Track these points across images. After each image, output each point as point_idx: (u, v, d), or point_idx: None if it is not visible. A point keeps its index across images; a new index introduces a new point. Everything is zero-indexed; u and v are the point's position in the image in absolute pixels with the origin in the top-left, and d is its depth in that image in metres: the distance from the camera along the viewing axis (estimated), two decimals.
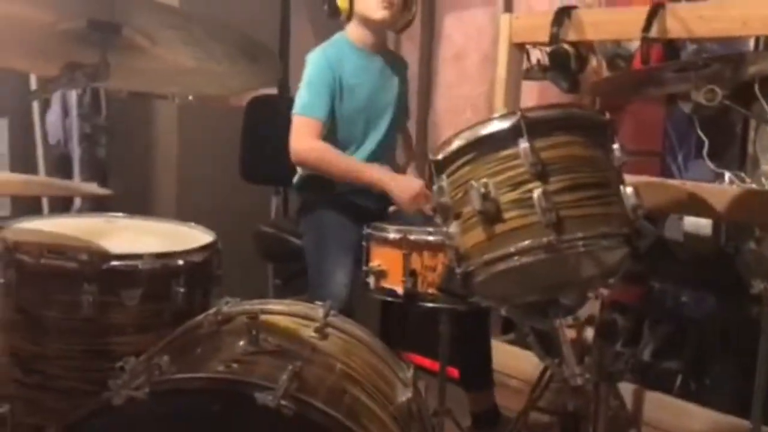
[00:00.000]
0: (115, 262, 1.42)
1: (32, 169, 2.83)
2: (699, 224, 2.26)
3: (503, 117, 1.32)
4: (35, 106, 2.88)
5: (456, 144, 1.36)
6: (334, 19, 2.13)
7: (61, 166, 3.14)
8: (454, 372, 2.02)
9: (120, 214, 1.74)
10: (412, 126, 3.09)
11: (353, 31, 2.11)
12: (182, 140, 2.83)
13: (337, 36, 2.13)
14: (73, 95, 3.07)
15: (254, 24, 2.79)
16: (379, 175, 1.96)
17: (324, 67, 2.01)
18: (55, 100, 3.07)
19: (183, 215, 2.55)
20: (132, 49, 1.09)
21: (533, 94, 2.82)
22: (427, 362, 2.23)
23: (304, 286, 2.01)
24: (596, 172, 1.32)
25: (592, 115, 1.38)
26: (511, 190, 1.29)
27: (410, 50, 3.16)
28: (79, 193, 1.43)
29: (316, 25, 3.09)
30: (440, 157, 1.37)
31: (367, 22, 2.08)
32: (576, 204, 1.27)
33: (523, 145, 1.28)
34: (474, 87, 3.13)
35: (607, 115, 1.38)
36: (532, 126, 1.29)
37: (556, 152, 1.29)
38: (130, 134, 2.95)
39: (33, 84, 2.70)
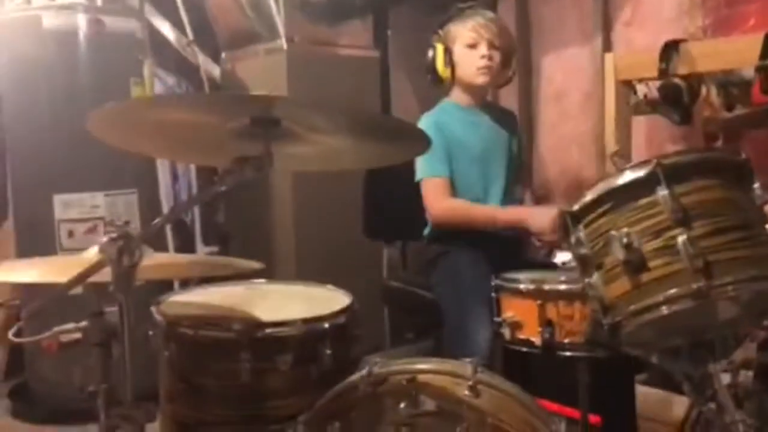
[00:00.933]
0: (268, 330, 1.50)
1: (162, 241, 3.00)
2: None
3: (638, 166, 1.33)
4: (161, 178, 3.06)
5: (591, 195, 1.37)
6: (436, 87, 2.23)
7: (178, 233, 3.33)
8: (596, 419, 1.99)
9: (261, 280, 1.83)
10: None
11: (456, 95, 2.24)
12: (297, 201, 2.95)
13: (442, 102, 2.23)
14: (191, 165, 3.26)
15: (356, 92, 2.94)
16: (514, 215, 2.06)
17: (434, 130, 2.09)
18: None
19: (302, 274, 2.68)
20: (290, 137, 1.17)
21: (641, 127, 2.79)
22: (564, 410, 2.20)
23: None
24: (739, 213, 1.30)
25: (728, 156, 1.37)
26: (653, 238, 1.29)
27: (509, 92, 3.19)
28: (238, 270, 1.52)
29: (416, 90, 3.20)
30: (576, 208, 1.39)
31: (468, 87, 2.19)
32: (722, 248, 1.26)
33: (662, 192, 1.28)
34: (577, 125, 3.13)
35: (744, 155, 1.36)
36: (669, 173, 1.29)
37: (697, 197, 1.29)
38: (247, 199, 3.10)
39: None
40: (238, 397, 1.50)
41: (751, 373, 1.40)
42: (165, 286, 2.46)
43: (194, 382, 1.53)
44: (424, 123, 2.16)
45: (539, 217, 1.98)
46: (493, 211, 2.12)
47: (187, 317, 1.54)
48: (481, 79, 2.18)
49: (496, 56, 2.17)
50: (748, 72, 2.20)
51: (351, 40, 3.13)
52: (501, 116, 2.31)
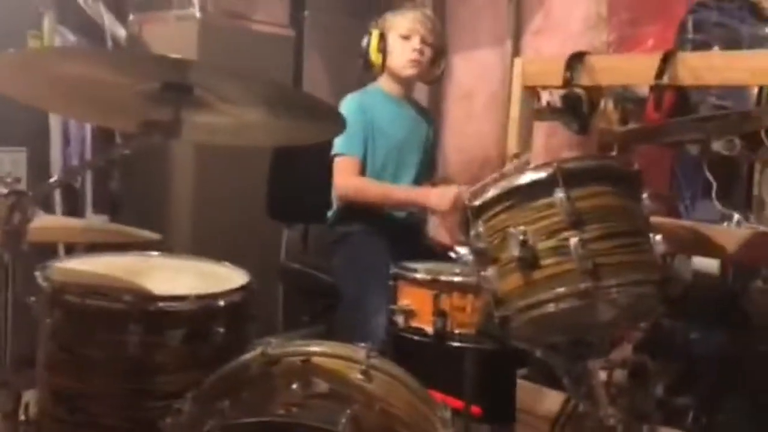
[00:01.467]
0: (160, 303, 1.46)
1: (49, 203, 2.85)
2: (707, 263, 2.34)
3: (539, 168, 1.39)
4: (54, 139, 2.90)
5: (493, 192, 1.41)
6: (367, 73, 2.25)
7: (66, 196, 3.17)
8: (477, 410, 2.05)
9: (154, 252, 1.77)
10: None
11: (385, 82, 2.26)
12: (199, 173, 2.87)
13: (370, 86, 2.25)
14: (86, 127, 3.11)
15: (269, 69, 2.89)
16: (415, 192, 2.13)
17: (358, 111, 2.12)
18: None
19: (198, 249, 2.61)
20: (202, 106, 1.14)
21: (541, 133, 2.90)
22: (448, 400, 2.26)
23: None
24: (628, 220, 1.38)
25: (622, 166, 1.44)
26: (548, 237, 1.35)
27: (420, 89, 3.23)
28: (132, 239, 1.46)
29: (329, 73, 3.19)
30: (477, 203, 1.43)
31: (396, 77, 2.21)
32: (610, 252, 1.33)
33: (560, 195, 1.34)
34: (482, 125, 3.21)
35: (636, 167, 1.44)
36: (568, 177, 1.35)
37: (591, 202, 1.36)
38: (144, 168, 2.99)
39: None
40: (123, 371, 1.45)
41: (625, 372, 1.49)
42: (49, 252, 2.35)
43: (78, 353, 1.47)
44: (349, 102, 2.19)
45: (440, 196, 2.05)
46: (394, 189, 2.18)
47: (75, 285, 1.48)
48: (409, 71, 2.24)
49: (427, 52, 2.23)
50: (643, 90, 2.33)
51: (267, 16, 3.07)
52: (421, 112, 2.38)
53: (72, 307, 1.45)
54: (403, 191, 2.17)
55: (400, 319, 1.77)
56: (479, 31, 3.20)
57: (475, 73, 3.23)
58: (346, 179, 2.16)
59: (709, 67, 2.05)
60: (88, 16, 3.15)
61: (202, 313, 1.50)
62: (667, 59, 2.09)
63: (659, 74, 2.10)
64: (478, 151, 3.24)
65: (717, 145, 1.59)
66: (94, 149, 3.14)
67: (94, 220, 2.90)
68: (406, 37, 2.22)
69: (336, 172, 2.17)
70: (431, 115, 2.50)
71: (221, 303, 1.52)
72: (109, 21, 3.13)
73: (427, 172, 2.38)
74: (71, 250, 2.54)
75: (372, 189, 2.17)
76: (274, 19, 3.10)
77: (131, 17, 3.14)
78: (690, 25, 2.44)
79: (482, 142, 3.22)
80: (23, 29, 2.68)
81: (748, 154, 1.68)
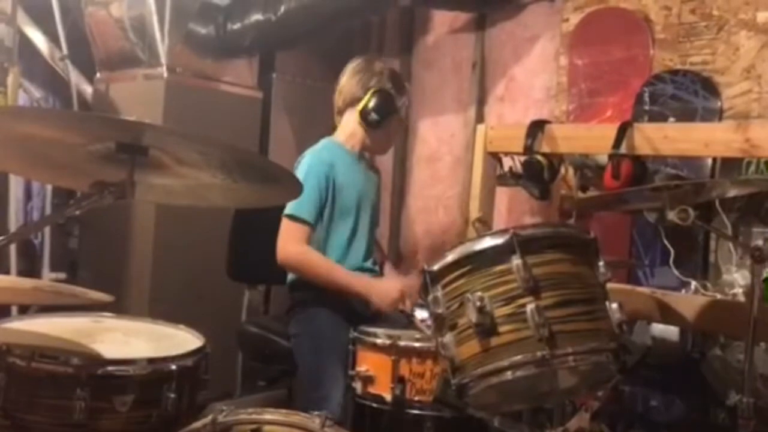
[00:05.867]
0: (109, 368, 1.42)
1: (4, 262, 2.78)
2: (666, 330, 2.35)
3: (496, 234, 1.40)
4: (12, 194, 2.86)
5: (451, 257, 1.42)
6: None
7: (24, 255, 3.10)
8: None
9: (107, 314, 1.73)
10: (385, 223, 3.19)
11: (346, 138, 2.22)
12: (158, 232, 2.84)
13: (325, 141, 2.23)
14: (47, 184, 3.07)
15: (235, 131, 2.91)
16: (358, 285, 2.03)
17: (321, 168, 2.09)
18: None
19: (156, 311, 2.56)
20: (157, 168, 1.14)
21: (504, 198, 2.93)
22: None
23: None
24: (584, 288, 1.39)
25: (578, 233, 1.46)
26: (505, 304, 1.35)
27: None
28: (85, 301, 1.43)
29: (295, 135, 3.22)
30: (436, 268, 1.43)
31: (367, 147, 2.27)
32: (566, 319, 1.34)
33: (516, 261, 1.35)
34: (446, 188, 3.25)
35: (592, 234, 1.46)
36: (524, 243, 1.36)
37: (547, 269, 1.37)
38: (104, 226, 2.94)
39: None
40: None
41: None
42: (1, 312, 2.28)
43: (20, 418, 1.41)
44: (310, 159, 2.13)
45: (382, 294, 2.00)
46: (339, 274, 2.06)
47: (21, 346, 1.43)
48: (382, 154, 2.40)
49: None
50: (603, 158, 2.37)
51: (235, 77, 3.10)
52: (371, 168, 2.37)
53: (16, 370, 1.40)
54: (345, 276, 2.05)
55: (358, 386, 1.74)
56: (444, 96, 3.26)
57: (440, 137, 3.28)
58: (292, 246, 2.05)
59: (664, 138, 2.11)
60: (55, 73, 3.16)
61: (152, 378, 1.45)
62: (624, 129, 2.15)
63: (617, 143, 2.15)
64: (441, 214, 3.26)
65: (671, 215, 1.62)
66: (55, 204, 3.10)
67: (51, 279, 2.84)
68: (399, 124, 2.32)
69: (281, 236, 2.06)
70: (379, 174, 2.50)
71: (173, 367, 1.48)
72: (75, 78, 3.14)
73: (375, 226, 2.36)
74: (25, 310, 2.47)
75: (315, 264, 2.06)
76: (242, 81, 3.13)
77: (98, 75, 3.15)
78: (647, 96, 2.52)
79: (446, 205, 3.24)
80: None
81: (701, 224, 1.71)
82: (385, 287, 2.04)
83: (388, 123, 2.19)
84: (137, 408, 1.43)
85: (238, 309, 2.80)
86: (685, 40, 2.50)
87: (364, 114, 2.15)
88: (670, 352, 2.34)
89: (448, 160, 3.24)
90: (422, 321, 1.84)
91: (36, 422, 1.40)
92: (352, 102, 2.18)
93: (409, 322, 1.91)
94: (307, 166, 2.10)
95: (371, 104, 2.14)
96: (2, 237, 1.23)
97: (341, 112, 2.24)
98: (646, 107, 2.52)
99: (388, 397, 1.68)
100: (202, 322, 1.71)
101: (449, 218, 3.22)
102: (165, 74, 2.89)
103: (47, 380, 1.40)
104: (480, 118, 3.08)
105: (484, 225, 2.38)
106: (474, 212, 2.59)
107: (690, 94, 2.43)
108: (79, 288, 1.42)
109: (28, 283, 1.34)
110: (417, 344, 1.70)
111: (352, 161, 2.21)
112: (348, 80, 2.19)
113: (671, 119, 2.42)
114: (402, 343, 1.70)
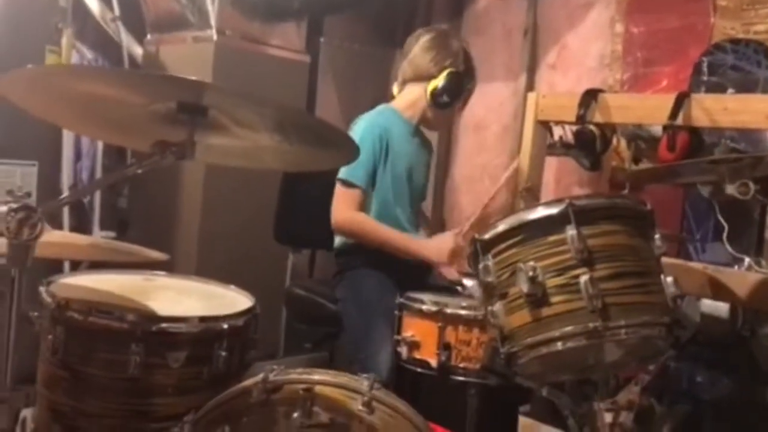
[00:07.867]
0: (163, 324, 1.44)
1: (56, 219, 2.85)
2: (716, 306, 2.30)
3: (551, 203, 1.38)
4: (65, 153, 2.91)
5: (503, 226, 1.40)
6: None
7: (74, 212, 3.17)
8: None
9: (159, 272, 1.77)
10: (429, 190, 3.17)
11: (406, 107, 2.20)
12: (207, 194, 2.88)
13: (383, 107, 2.22)
14: (98, 143, 3.12)
15: (283, 93, 2.91)
16: (413, 245, 2.04)
17: (375, 133, 2.08)
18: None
19: (203, 271, 2.60)
20: (216, 128, 1.14)
21: (552, 167, 2.89)
22: None
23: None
24: (639, 260, 1.37)
25: (635, 205, 1.43)
26: (557, 274, 1.33)
27: None
28: (139, 259, 1.45)
29: (341, 101, 3.20)
30: (487, 237, 1.42)
31: (426, 121, 2.26)
32: (620, 291, 1.32)
33: (571, 232, 1.33)
34: (492, 157, 3.21)
35: (648, 206, 1.43)
36: (580, 214, 1.34)
37: (602, 240, 1.34)
38: (153, 186, 3.00)
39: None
40: (122, 391, 1.44)
41: (631, 415, 1.47)
42: (53, 267, 2.34)
43: (78, 371, 1.45)
44: (365, 125, 2.14)
45: (437, 249, 2.03)
46: (394, 237, 2.08)
47: (79, 301, 1.47)
48: (437, 130, 2.42)
49: None
50: (657, 129, 2.32)
51: (283, 41, 3.09)
52: (425, 139, 2.35)
53: (75, 324, 1.44)
54: (401, 240, 2.07)
55: (404, 350, 1.75)
56: (494, 64, 3.21)
57: (488, 105, 3.23)
58: (345, 212, 2.07)
59: (723, 110, 2.05)
60: (106, 34, 3.19)
61: (204, 336, 1.48)
62: (681, 100, 2.09)
63: (673, 115, 2.09)
64: (487, 183, 3.23)
65: (730, 189, 1.58)
66: (105, 165, 3.15)
67: (101, 237, 2.90)
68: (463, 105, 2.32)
69: (335, 201, 2.08)
70: (432, 148, 2.49)
71: (224, 326, 1.50)
72: (126, 40, 3.16)
73: (422, 198, 2.36)
74: (76, 266, 2.54)
75: (369, 229, 2.08)
76: (290, 45, 3.12)
77: (148, 36, 3.18)
78: (705, 67, 2.44)
79: (492, 174, 3.21)
80: (42, 44, 2.70)
81: (762, 199, 1.66)
82: (438, 242, 2.07)
83: (456, 105, 2.17)
84: (189, 364, 1.46)
85: (283, 271, 2.84)
86: (749, 8, 2.41)
87: (434, 94, 2.13)
88: (720, 329, 2.30)
89: (496, 129, 3.20)
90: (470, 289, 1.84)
91: (93, 375, 1.44)
92: (423, 77, 2.15)
93: (457, 290, 1.91)
94: (362, 130, 2.10)
95: (444, 85, 2.12)
96: (62, 197, 1.25)
97: (405, 83, 2.21)
98: (704, 78, 2.44)
99: (433, 362, 1.69)
100: (247, 283, 1.73)
101: (495, 187, 3.19)
102: (214, 37, 2.90)
103: (104, 335, 1.43)
104: (530, 86, 3.03)
105: (533, 195, 2.35)
106: (522, 182, 2.56)
107: (752, 64, 2.34)
108: (135, 246, 1.45)
109: (84, 239, 1.36)
110: (463, 312, 1.70)
111: (407, 131, 2.20)
112: (421, 53, 2.16)
113: (730, 90, 2.34)
114: (449, 310, 1.70)
